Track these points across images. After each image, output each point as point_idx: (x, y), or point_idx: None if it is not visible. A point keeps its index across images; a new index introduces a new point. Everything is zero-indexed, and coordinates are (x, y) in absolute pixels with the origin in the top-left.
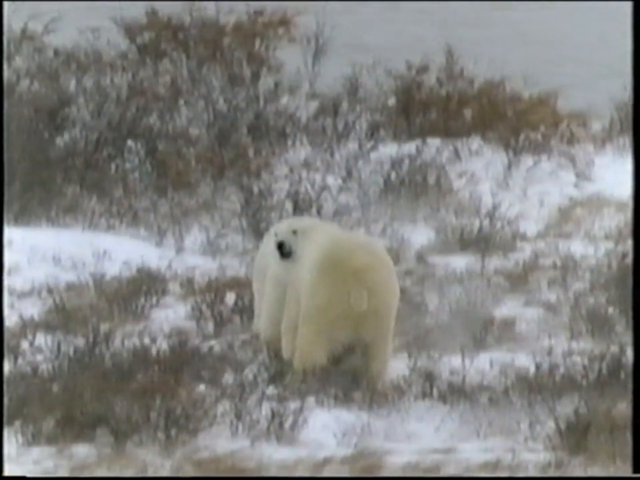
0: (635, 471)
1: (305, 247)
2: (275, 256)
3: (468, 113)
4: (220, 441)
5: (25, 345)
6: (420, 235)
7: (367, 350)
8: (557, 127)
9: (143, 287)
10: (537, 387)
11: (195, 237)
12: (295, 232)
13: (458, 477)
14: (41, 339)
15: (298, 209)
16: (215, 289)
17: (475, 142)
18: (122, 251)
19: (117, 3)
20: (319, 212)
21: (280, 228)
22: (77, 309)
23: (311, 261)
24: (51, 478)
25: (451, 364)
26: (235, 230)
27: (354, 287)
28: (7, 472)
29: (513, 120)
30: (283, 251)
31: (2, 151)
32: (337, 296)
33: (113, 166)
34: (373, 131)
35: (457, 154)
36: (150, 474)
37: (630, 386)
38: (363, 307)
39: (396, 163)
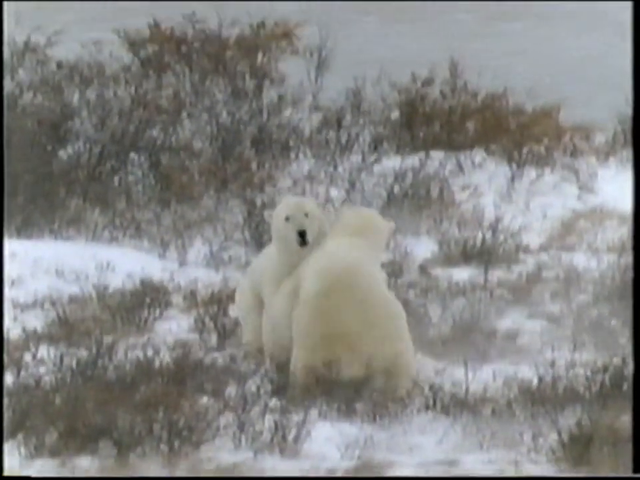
0: (635, 471)
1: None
2: (287, 243)
3: (471, 126)
4: (223, 453)
5: (27, 357)
6: (423, 247)
7: (388, 374)
8: (560, 140)
9: (146, 299)
10: (540, 399)
11: (198, 250)
12: (307, 215)
13: (458, 477)
14: (44, 351)
15: None
16: (218, 301)
17: (478, 155)
18: (125, 263)
19: (119, 15)
20: None
21: (291, 211)
22: (80, 321)
23: (305, 291)
24: (52, 478)
25: (453, 376)
26: (238, 242)
27: (344, 352)
28: None
29: (516, 133)
30: (304, 239)
31: (2, 164)
32: (327, 355)
33: (116, 178)
34: (377, 144)
35: (460, 167)
36: None
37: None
38: (355, 373)
39: (399, 176)
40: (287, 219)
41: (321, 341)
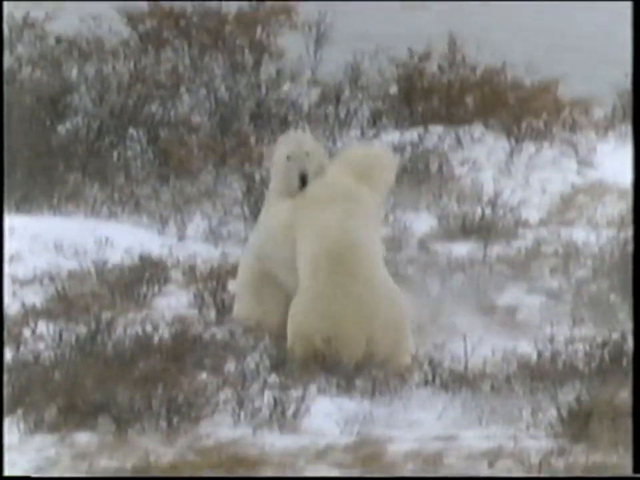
0: (635, 471)
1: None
2: (288, 183)
3: (470, 101)
4: (222, 429)
5: (26, 333)
6: (422, 223)
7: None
8: (559, 114)
9: (145, 274)
10: (539, 375)
11: (197, 225)
12: (308, 154)
13: (457, 477)
14: (43, 327)
15: None
16: (217, 276)
17: (477, 129)
18: (124, 238)
19: None
20: None
21: (292, 150)
22: (78, 297)
23: (304, 273)
24: (52, 478)
25: (452, 351)
26: (237, 217)
27: (344, 334)
28: (9, 459)
29: (515, 107)
30: (304, 182)
31: (2, 139)
32: (325, 333)
33: (114, 154)
34: (375, 119)
35: (458, 141)
36: (152, 462)
37: (632, 373)
38: (354, 353)
39: (398, 151)
40: (289, 158)
41: (319, 324)
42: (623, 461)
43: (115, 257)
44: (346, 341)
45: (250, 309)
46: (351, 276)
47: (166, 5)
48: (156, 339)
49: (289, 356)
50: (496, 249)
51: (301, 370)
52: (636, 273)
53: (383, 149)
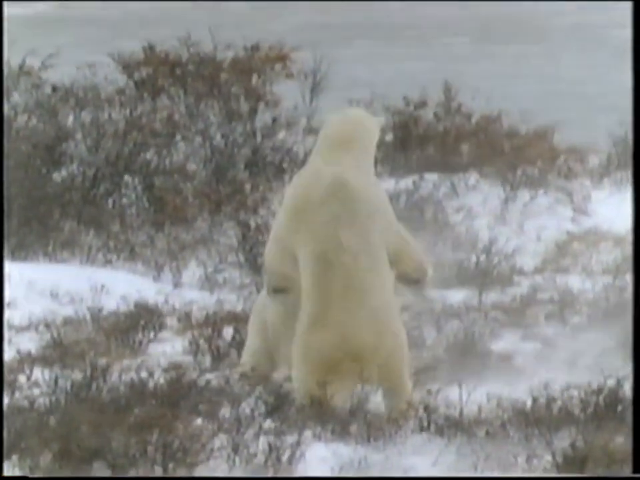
0: (634, 471)
1: None
2: None
3: (465, 148)
4: (217, 475)
5: (22, 379)
6: None
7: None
8: (554, 162)
9: (141, 321)
10: (534, 421)
11: (192, 272)
12: None
13: (456, 477)
14: (38, 373)
15: None
16: (213, 323)
17: (472, 177)
18: (119, 285)
19: (114, 38)
20: None
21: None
22: (74, 344)
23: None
24: (52, 478)
25: (448, 397)
26: (232, 264)
27: (367, 343)
28: None
29: (511, 155)
30: None
31: (1, 186)
32: (328, 372)
33: (110, 201)
34: None
35: (454, 189)
36: None
37: (627, 419)
38: (374, 382)
39: (393, 198)
40: None
41: (333, 335)
42: None
43: (110, 303)
44: (363, 351)
45: (260, 354)
46: (360, 284)
47: (161, 52)
48: (151, 385)
49: (295, 381)
50: (491, 296)
51: (302, 414)
52: (636, 318)
53: (363, 114)
